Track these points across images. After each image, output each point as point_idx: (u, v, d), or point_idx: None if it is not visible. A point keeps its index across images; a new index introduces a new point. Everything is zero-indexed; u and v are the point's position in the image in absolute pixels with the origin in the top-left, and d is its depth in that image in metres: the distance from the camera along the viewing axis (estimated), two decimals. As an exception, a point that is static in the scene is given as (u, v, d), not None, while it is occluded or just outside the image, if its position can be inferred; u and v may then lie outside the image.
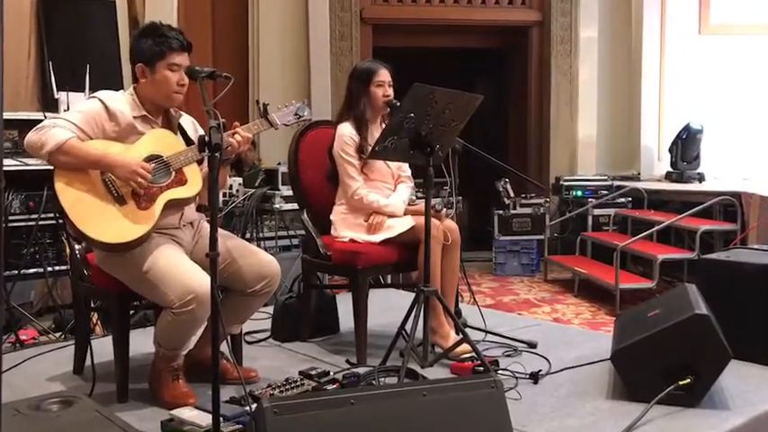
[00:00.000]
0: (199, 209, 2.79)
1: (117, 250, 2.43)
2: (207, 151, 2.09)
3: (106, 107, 2.50)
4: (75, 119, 2.45)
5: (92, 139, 2.45)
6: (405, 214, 3.17)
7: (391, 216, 3.14)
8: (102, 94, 2.56)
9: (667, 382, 2.38)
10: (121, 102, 2.55)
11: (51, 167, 2.42)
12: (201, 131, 2.75)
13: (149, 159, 2.47)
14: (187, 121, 2.74)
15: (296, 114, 2.76)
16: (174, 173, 2.50)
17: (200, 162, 2.57)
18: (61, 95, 3.97)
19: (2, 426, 0.94)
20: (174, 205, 2.53)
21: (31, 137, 2.39)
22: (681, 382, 2.37)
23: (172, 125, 2.65)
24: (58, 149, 2.35)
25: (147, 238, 2.42)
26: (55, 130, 2.38)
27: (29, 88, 4.23)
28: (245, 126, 2.57)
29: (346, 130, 3.18)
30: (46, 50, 4.18)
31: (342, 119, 3.24)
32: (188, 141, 2.63)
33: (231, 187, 4.70)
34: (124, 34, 4.63)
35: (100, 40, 4.43)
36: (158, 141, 2.53)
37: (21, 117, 3.75)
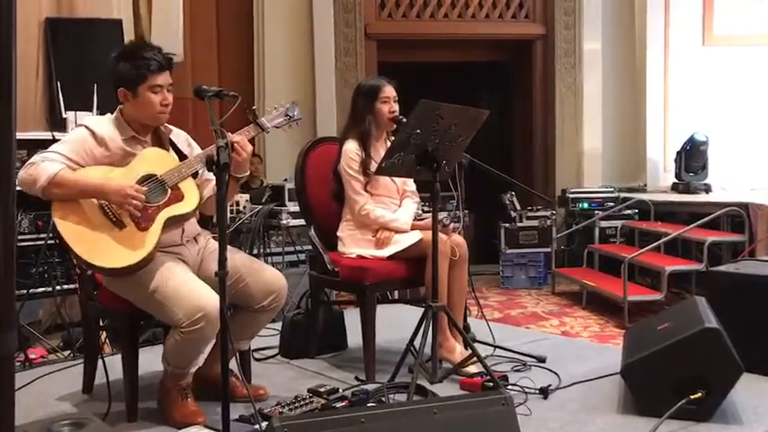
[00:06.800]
0: (206, 226, 2.79)
1: (123, 274, 2.43)
2: (215, 170, 2.10)
3: (93, 133, 2.51)
4: (62, 149, 2.46)
5: (83, 167, 2.46)
6: (412, 230, 3.17)
7: (398, 232, 3.14)
8: (87, 120, 2.59)
9: (678, 396, 2.36)
10: (108, 126, 2.56)
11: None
12: (195, 146, 2.75)
13: (143, 180, 2.47)
14: (179, 137, 2.73)
15: (286, 116, 2.73)
16: (169, 190, 2.50)
17: (194, 176, 2.57)
18: (69, 115, 3.98)
19: (14, 449, 0.95)
20: (174, 222, 2.53)
21: (23, 174, 2.40)
22: (692, 396, 2.35)
23: (162, 142, 2.65)
24: (50, 183, 2.36)
25: (151, 259, 2.42)
26: (45, 164, 2.38)
27: (37, 108, 4.24)
28: (236, 133, 2.52)
29: (352, 146, 3.19)
30: (53, 70, 4.20)
31: (347, 135, 3.25)
32: (181, 157, 2.62)
33: (238, 204, 4.71)
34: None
35: (107, 58, 4.45)
36: (150, 161, 2.53)
37: (30, 137, 3.78)
